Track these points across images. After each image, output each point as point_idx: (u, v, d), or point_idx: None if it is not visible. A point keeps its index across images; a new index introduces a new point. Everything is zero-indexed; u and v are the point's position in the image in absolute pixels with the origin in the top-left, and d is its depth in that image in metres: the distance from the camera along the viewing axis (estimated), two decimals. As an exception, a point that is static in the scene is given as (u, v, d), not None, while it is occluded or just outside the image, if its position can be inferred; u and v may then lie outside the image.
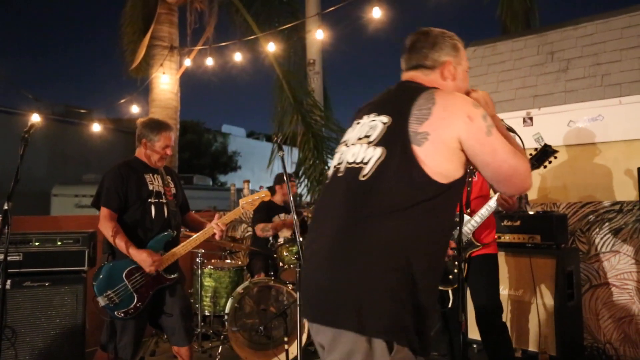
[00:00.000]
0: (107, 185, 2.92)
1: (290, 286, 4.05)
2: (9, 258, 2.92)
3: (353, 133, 1.68)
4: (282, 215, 4.92)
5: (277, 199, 4.96)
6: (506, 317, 3.64)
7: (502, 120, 1.73)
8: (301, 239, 3.02)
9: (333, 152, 7.76)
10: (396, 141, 1.51)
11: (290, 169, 8.47)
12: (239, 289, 4.08)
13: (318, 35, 6.82)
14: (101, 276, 2.84)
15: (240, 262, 5.34)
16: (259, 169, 18.90)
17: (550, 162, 2.84)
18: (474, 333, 3.35)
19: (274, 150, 7.75)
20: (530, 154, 2.79)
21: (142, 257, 2.82)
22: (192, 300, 4.52)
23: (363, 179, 1.52)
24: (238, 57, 7.24)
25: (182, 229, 3.26)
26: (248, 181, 8.22)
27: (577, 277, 3.83)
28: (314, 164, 7.69)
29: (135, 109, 8.03)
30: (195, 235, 3.07)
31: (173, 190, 3.14)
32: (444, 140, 1.48)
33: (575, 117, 4.57)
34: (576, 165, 4.53)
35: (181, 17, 8.12)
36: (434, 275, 1.54)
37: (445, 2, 7.72)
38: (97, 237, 3.53)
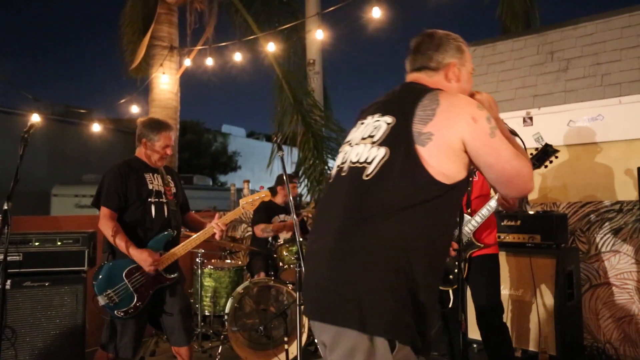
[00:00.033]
0: (107, 185, 2.92)
1: (290, 286, 4.05)
2: (8, 258, 2.92)
3: (357, 133, 1.69)
4: (282, 216, 4.92)
5: (279, 199, 4.95)
6: (506, 316, 3.64)
7: (505, 122, 1.74)
8: (301, 239, 3.02)
9: (333, 152, 7.82)
10: (400, 141, 1.52)
11: (290, 169, 8.47)
12: (239, 288, 4.08)
13: (318, 35, 6.82)
14: (101, 275, 2.84)
15: (240, 262, 5.35)
16: (259, 169, 18.90)
17: (551, 162, 2.84)
18: (474, 333, 3.35)
19: (273, 150, 7.74)
20: (531, 154, 2.80)
21: (142, 257, 2.82)
22: (192, 300, 4.52)
23: (366, 178, 1.53)
24: (238, 57, 7.24)
25: (182, 229, 3.26)
26: (248, 181, 8.23)
27: (577, 276, 3.83)
28: (314, 164, 7.68)
29: (135, 109, 8.03)
30: (195, 235, 3.07)
31: (173, 190, 3.14)
32: (448, 141, 1.49)
33: (575, 117, 4.57)
34: (576, 165, 4.53)
35: (181, 17, 8.13)
36: (434, 275, 1.55)
37: (446, 2, 7.73)
38: (97, 237, 3.53)
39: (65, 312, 3.34)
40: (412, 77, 1.74)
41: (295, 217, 3.04)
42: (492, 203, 2.91)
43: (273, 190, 4.94)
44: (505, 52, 5.52)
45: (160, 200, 3.02)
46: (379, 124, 1.61)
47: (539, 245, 3.73)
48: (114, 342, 2.88)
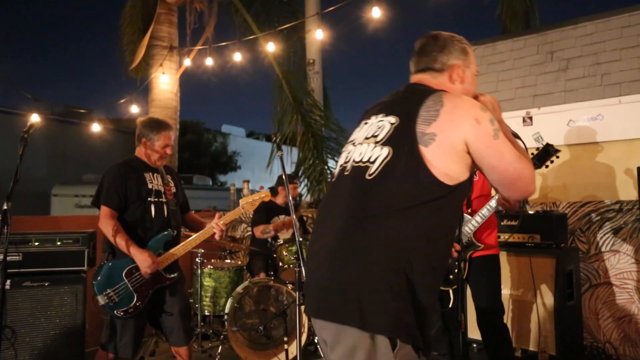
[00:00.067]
0: (107, 184, 2.92)
1: (290, 286, 4.05)
2: (8, 258, 2.91)
3: (360, 133, 1.70)
4: (282, 217, 4.92)
5: (279, 200, 4.95)
6: (506, 316, 3.64)
7: (508, 126, 1.74)
8: (300, 239, 3.02)
9: (333, 152, 7.82)
10: (403, 141, 1.52)
11: (290, 169, 8.47)
12: (239, 288, 4.08)
13: (318, 35, 6.82)
14: (101, 275, 2.84)
15: (240, 262, 5.35)
16: (259, 169, 18.90)
17: (552, 162, 2.84)
18: (474, 332, 3.35)
19: (273, 150, 7.75)
20: (532, 154, 2.79)
21: (142, 257, 2.82)
22: (191, 300, 4.52)
23: (369, 177, 1.53)
24: (238, 57, 7.24)
25: (182, 229, 3.26)
26: (248, 181, 8.22)
27: (576, 276, 3.83)
28: (314, 164, 7.68)
29: (135, 109, 8.03)
30: (195, 235, 3.07)
31: (173, 190, 3.14)
32: (451, 142, 1.49)
33: (575, 117, 4.57)
34: (576, 164, 4.53)
35: (181, 17, 8.13)
36: (434, 276, 1.55)
37: (445, 2, 7.74)
38: (96, 237, 3.53)
39: (65, 312, 3.34)
40: (416, 78, 1.75)
41: (295, 217, 3.04)
42: (493, 203, 2.90)
43: (274, 191, 4.94)
44: (505, 51, 5.52)
45: (160, 199, 3.02)
46: (382, 124, 1.62)
47: (539, 245, 3.73)
48: (113, 342, 2.88)
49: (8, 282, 3.09)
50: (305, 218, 5.39)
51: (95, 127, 8.74)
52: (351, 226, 1.51)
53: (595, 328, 3.92)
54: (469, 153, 1.52)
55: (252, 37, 7.71)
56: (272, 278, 4.20)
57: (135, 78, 8.38)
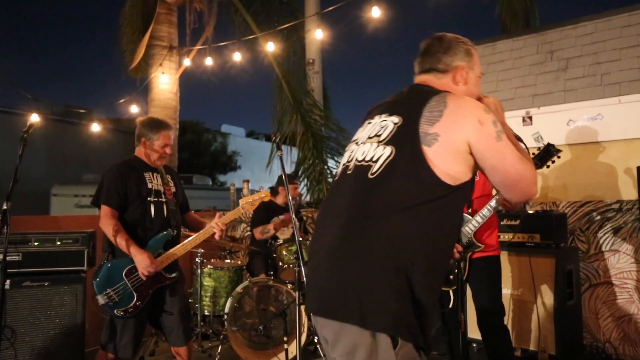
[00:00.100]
0: (107, 184, 2.92)
1: (289, 285, 4.05)
2: (8, 258, 2.91)
3: (364, 132, 1.71)
4: (282, 217, 4.91)
5: (280, 200, 4.94)
6: (506, 316, 3.65)
7: (511, 128, 1.74)
8: (300, 239, 3.02)
9: (332, 151, 7.82)
10: (406, 141, 1.53)
11: (290, 169, 8.48)
12: (239, 288, 4.08)
13: (317, 34, 6.82)
14: (101, 275, 2.84)
15: (239, 262, 5.35)
16: (259, 169, 18.90)
17: (553, 162, 2.84)
18: (474, 332, 3.35)
19: (273, 150, 7.75)
20: (533, 153, 2.79)
21: (141, 258, 2.81)
22: (191, 300, 4.52)
23: (372, 176, 1.54)
24: (237, 56, 7.24)
25: (181, 229, 3.26)
26: (248, 181, 8.23)
27: (576, 276, 3.83)
28: (314, 164, 7.69)
29: (134, 109, 8.04)
30: (194, 235, 3.07)
31: (173, 189, 3.14)
32: (454, 142, 1.50)
33: (574, 116, 4.57)
34: (576, 164, 4.53)
35: (180, 17, 8.13)
36: (435, 276, 1.55)
37: (445, 2, 7.73)
38: (96, 237, 3.53)
39: (65, 312, 3.34)
40: (420, 79, 1.76)
41: (294, 217, 3.04)
42: (493, 203, 2.90)
43: (274, 190, 4.93)
44: (504, 51, 5.52)
45: (160, 199, 3.02)
46: (385, 123, 1.62)
47: (539, 244, 3.73)
48: (113, 342, 2.87)
49: (8, 281, 3.08)
50: (304, 218, 5.39)
51: (95, 127, 8.74)
52: (351, 226, 1.51)
53: (595, 328, 3.92)
54: (471, 154, 1.53)
55: (251, 36, 7.71)
56: (272, 278, 4.19)
57: (135, 78, 8.38)
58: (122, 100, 8.17)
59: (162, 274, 2.94)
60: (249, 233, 5.64)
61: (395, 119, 1.60)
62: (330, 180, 7.52)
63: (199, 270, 4.42)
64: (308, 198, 7.72)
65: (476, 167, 1.57)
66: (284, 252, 4.27)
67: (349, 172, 1.64)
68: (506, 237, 3.85)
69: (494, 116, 1.56)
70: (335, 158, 7.83)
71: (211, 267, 4.53)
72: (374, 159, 1.56)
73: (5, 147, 12.07)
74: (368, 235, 1.48)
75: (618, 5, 5.07)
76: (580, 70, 4.80)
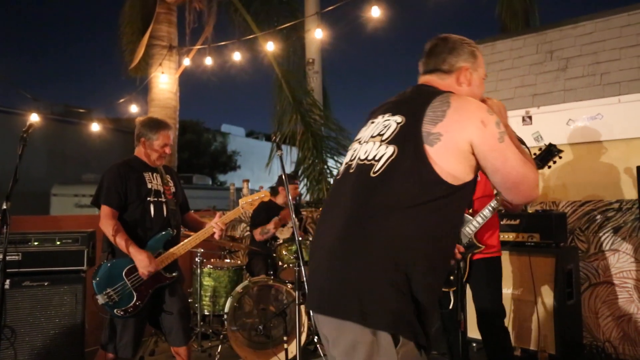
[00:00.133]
0: (107, 184, 2.92)
1: (289, 285, 4.05)
2: (8, 258, 2.91)
3: (367, 131, 1.71)
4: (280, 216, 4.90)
5: (280, 200, 4.93)
6: (507, 316, 3.65)
7: (514, 131, 1.75)
8: (300, 239, 3.02)
9: (332, 151, 7.82)
10: (409, 140, 1.54)
11: (290, 168, 8.47)
12: (239, 288, 4.08)
13: (317, 34, 6.82)
14: (101, 274, 2.84)
15: (239, 262, 5.34)
16: (259, 169, 18.90)
17: (554, 162, 2.84)
18: (473, 332, 3.35)
19: (273, 150, 7.75)
20: (535, 154, 2.79)
21: (141, 258, 2.81)
22: (191, 300, 4.52)
23: (374, 175, 1.54)
24: (237, 56, 7.24)
25: (181, 229, 3.26)
26: (247, 180, 8.22)
27: (576, 275, 3.83)
28: (313, 163, 7.69)
29: (134, 109, 8.03)
30: (194, 235, 3.07)
31: (172, 189, 3.14)
32: (456, 142, 1.50)
33: (574, 116, 4.57)
34: (576, 164, 4.53)
35: (180, 16, 8.13)
36: (435, 276, 1.55)
37: (445, 1, 7.74)
38: (96, 236, 3.53)
39: (65, 312, 3.33)
40: (424, 79, 1.77)
41: (294, 218, 3.04)
42: (494, 203, 2.88)
43: (274, 190, 4.93)
44: (504, 51, 5.52)
45: (159, 199, 3.02)
46: (389, 123, 1.63)
47: (539, 244, 3.73)
48: (113, 342, 2.88)
49: (7, 281, 3.08)
50: (304, 217, 5.39)
51: (95, 127, 8.73)
52: (352, 226, 1.51)
53: (595, 327, 3.92)
54: (473, 154, 1.53)
55: (251, 36, 7.71)
56: (272, 277, 4.19)
57: (135, 78, 8.38)
58: (121, 100, 8.17)
59: (162, 274, 2.94)
60: (248, 233, 5.64)
61: (399, 118, 1.61)
62: (330, 180, 7.53)
63: (198, 270, 4.42)
64: (308, 198, 7.72)
65: (478, 168, 1.57)
66: (284, 252, 4.27)
67: (351, 170, 1.64)
68: (506, 236, 3.85)
69: (497, 117, 1.57)
70: (335, 158, 7.83)
71: (211, 266, 4.53)
72: (377, 158, 1.57)
73: (5, 147, 12.06)
74: (368, 235, 1.48)
75: (617, 4, 5.07)
76: (580, 69, 4.80)
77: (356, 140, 1.76)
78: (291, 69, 8.86)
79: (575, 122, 4.56)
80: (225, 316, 4.03)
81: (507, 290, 3.78)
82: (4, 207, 2.46)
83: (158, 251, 2.93)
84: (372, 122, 1.72)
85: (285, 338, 3.74)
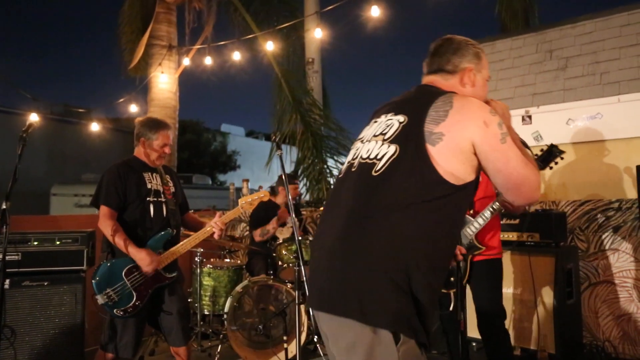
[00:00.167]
0: (106, 184, 2.92)
1: (289, 285, 4.05)
2: (7, 257, 2.91)
3: (369, 130, 1.72)
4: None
5: (279, 200, 4.92)
6: (508, 316, 3.65)
7: (517, 134, 1.74)
8: (300, 238, 3.02)
9: (332, 150, 7.82)
10: (411, 139, 1.54)
11: (290, 168, 8.47)
12: (238, 288, 4.08)
13: (317, 34, 6.82)
14: (100, 274, 2.84)
15: (239, 261, 5.34)
16: (258, 168, 18.91)
17: (556, 163, 2.84)
18: (473, 331, 3.35)
19: (272, 149, 7.75)
20: (536, 155, 2.78)
21: (141, 256, 2.82)
22: (191, 300, 4.52)
23: (375, 174, 1.54)
24: (237, 56, 7.24)
25: (181, 229, 3.26)
26: (247, 180, 8.23)
27: (576, 275, 3.83)
28: (313, 163, 7.69)
29: (134, 109, 8.03)
30: (194, 235, 3.07)
31: (172, 189, 3.14)
32: (458, 142, 1.50)
33: (574, 116, 4.57)
34: (575, 163, 4.53)
35: (180, 16, 8.13)
36: (435, 276, 1.55)
37: (445, 1, 7.74)
38: (95, 236, 3.52)
39: (64, 312, 3.33)
40: (428, 79, 1.77)
41: (294, 217, 3.04)
42: (495, 205, 2.87)
43: (274, 190, 4.93)
44: (504, 50, 5.52)
45: (159, 199, 3.02)
46: (391, 122, 1.63)
47: (538, 243, 3.73)
48: (113, 342, 2.88)
49: (7, 281, 3.08)
50: (304, 217, 5.38)
51: (95, 127, 8.73)
52: (352, 226, 1.51)
53: (595, 326, 3.92)
54: (475, 154, 1.53)
55: (251, 36, 7.71)
56: (272, 277, 4.19)
57: (134, 77, 8.39)
58: (121, 100, 8.17)
59: (162, 274, 2.94)
60: (248, 232, 5.64)
61: (401, 117, 1.61)
62: (330, 179, 7.53)
63: (198, 270, 4.42)
64: (308, 197, 7.72)
65: (480, 168, 1.57)
66: (284, 252, 4.27)
67: (353, 169, 1.65)
68: (506, 236, 3.85)
69: (500, 118, 1.57)
70: (335, 157, 7.84)
71: (211, 266, 4.53)
72: (379, 157, 1.57)
73: (5, 147, 12.05)
74: (368, 235, 1.48)
75: (617, 4, 5.08)
76: (580, 69, 4.80)
77: (359, 139, 1.76)
78: (291, 68, 8.86)
79: (575, 122, 4.56)
80: (225, 316, 4.03)
81: (507, 290, 3.78)
82: (4, 206, 2.46)
83: (158, 251, 2.93)
84: (375, 122, 1.72)
85: (285, 338, 3.74)
